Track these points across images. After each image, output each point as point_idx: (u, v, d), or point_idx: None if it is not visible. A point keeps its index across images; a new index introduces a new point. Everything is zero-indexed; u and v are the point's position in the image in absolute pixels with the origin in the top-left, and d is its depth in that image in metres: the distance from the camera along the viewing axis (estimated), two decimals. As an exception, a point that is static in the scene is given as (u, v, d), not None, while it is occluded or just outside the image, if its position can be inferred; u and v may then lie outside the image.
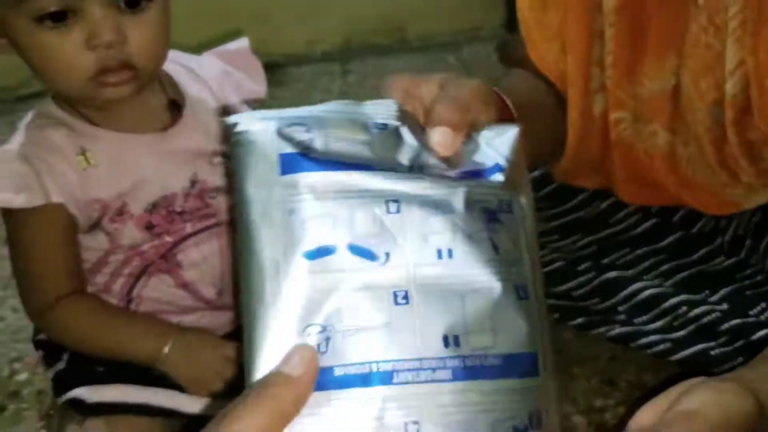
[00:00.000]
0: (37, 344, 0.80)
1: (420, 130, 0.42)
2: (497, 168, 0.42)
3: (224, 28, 2.04)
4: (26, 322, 1.01)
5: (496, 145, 0.43)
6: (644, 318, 0.78)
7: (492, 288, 0.38)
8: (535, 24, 0.76)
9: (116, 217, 0.74)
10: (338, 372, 0.36)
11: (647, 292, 0.79)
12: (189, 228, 0.77)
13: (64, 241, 0.72)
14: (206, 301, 0.78)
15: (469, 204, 0.39)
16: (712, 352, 0.74)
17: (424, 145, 0.41)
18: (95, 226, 0.74)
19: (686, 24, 0.68)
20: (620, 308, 0.79)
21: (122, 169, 0.73)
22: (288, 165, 0.38)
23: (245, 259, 0.38)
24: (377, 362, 0.36)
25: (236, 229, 0.39)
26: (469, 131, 0.43)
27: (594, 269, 0.82)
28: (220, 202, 0.78)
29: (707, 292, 0.78)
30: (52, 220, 0.71)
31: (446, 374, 0.36)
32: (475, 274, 0.38)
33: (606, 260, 0.83)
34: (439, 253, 0.38)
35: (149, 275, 0.76)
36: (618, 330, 0.78)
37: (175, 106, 0.76)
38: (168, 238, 0.76)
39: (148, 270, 0.76)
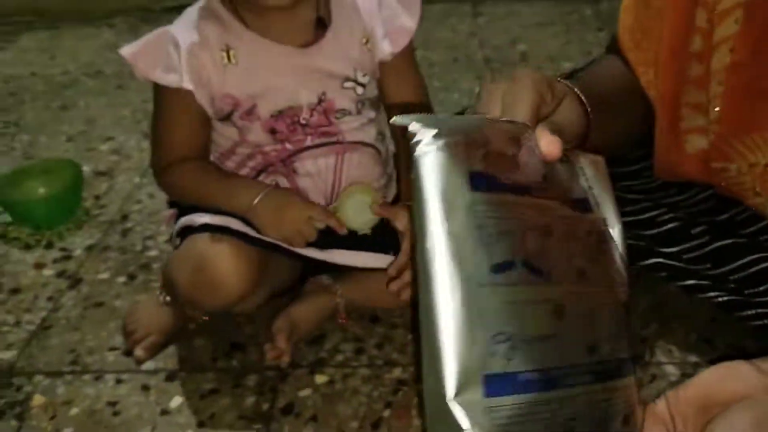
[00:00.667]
0: (171, 204, 0.90)
1: (537, 152, 0.46)
2: (589, 202, 0.48)
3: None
4: (160, 206, 1.14)
5: (589, 178, 0.49)
6: (755, 290, 0.78)
7: (609, 305, 0.46)
8: (633, 46, 0.78)
9: (245, 115, 0.81)
10: (521, 378, 0.40)
11: (762, 265, 0.78)
12: (309, 141, 0.83)
13: (189, 120, 0.81)
14: None
15: (588, 234, 0.46)
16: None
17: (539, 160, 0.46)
18: (226, 118, 0.82)
19: None
20: (731, 277, 0.79)
21: (258, 73, 0.79)
22: (476, 183, 0.42)
23: (433, 270, 0.40)
24: (547, 369, 0.41)
25: (419, 238, 0.41)
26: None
27: (709, 234, 0.81)
28: (343, 123, 0.83)
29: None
30: (184, 102, 0.80)
31: (589, 378, 0.43)
32: (601, 292, 0.46)
33: (724, 216, 0.83)
34: (579, 273, 0.44)
35: (269, 173, 0.84)
36: (726, 297, 0.78)
37: (321, 23, 0.81)
38: (288, 146, 0.83)
39: (268, 169, 0.84)
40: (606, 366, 0.45)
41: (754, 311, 0.77)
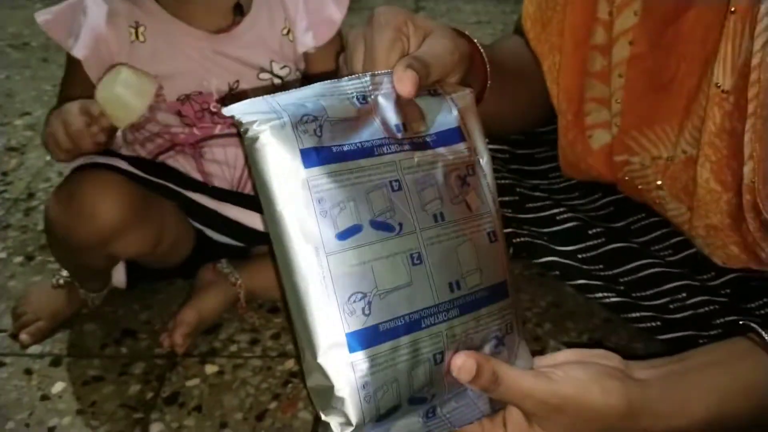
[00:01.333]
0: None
1: (392, 97, 0.48)
2: (460, 131, 0.50)
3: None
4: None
5: (460, 108, 0.51)
6: (642, 294, 0.79)
7: (473, 238, 0.48)
8: (533, 36, 0.78)
9: None
10: (382, 327, 0.44)
11: (651, 270, 0.79)
12: (218, 129, 0.81)
13: (82, 91, 0.76)
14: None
15: (446, 175, 0.48)
16: (700, 341, 0.75)
17: (399, 109, 0.48)
18: None
19: (704, 101, 0.66)
20: (622, 279, 0.80)
21: (165, 54, 0.77)
22: (309, 159, 0.44)
23: (285, 247, 0.43)
24: (408, 314, 0.44)
25: (269, 222, 0.44)
26: (433, 86, 0.50)
27: (604, 236, 0.82)
28: None
29: (713, 273, 0.78)
30: (81, 71, 0.77)
31: (455, 312, 0.46)
32: (461, 230, 0.48)
33: (621, 223, 0.84)
34: (435, 217, 0.47)
35: (177, 152, 0.82)
36: (614, 299, 0.79)
37: (239, 10, 0.79)
38: (196, 131, 0.81)
39: (176, 148, 0.81)
40: (473, 297, 0.47)
41: (639, 314, 0.78)
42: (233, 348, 0.85)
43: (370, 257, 0.44)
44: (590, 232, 0.83)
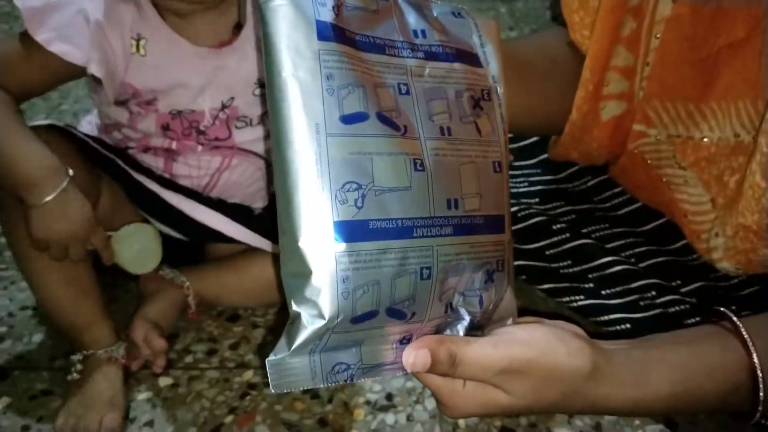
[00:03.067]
0: None
1: (413, 3, 0.47)
2: (479, 57, 0.49)
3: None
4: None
5: (483, 35, 0.50)
6: (611, 291, 0.77)
7: (477, 162, 0.46)
8: (578, 6, 0.75)
9: (144, 104, 0.76)
10: (372, 225, 0.41)
11: (619, 267, 0.78)
12: (199, 148, 0.79)
13: (35, 75, 0.72)
14: None
15: (459, 93, 0.46)
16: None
17: (420, 15, 0.47)
18: (123, 104, 0.76)
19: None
20: (590, 275, 0.78)
21: (164, 70, 0.74)
22: (324, 32, 0.41)
23: (284, 118, 0.40)
24: (402, 219, 0.42)
25: (269, 88, 0.41)
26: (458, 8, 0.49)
27: (569, 231, 0.80)
28: (241, 133, 0.78)
29: (679, 282, 0.76)
30: (50, 65, 0.70)
31: (449, 230, 0.44)
32: (467, 149, 0.46)
33: (583, 231, 0.82)
34: (442, 130, 0.45)
35: (149, 153, 0.79)
36: (582, 302, 0.77)
37: (238, 26, 0.76)
38: (174, 147, 0.78)
39: (149, 150, 0.79)
40: (470, 221, 0.45)
41: (609, 316, 0.76)
42: (189, 359, 0.82)
43: (372, 149, 0.41)
44: (554, 227, 0.81)
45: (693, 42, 0.68)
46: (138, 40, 0.73)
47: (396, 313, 0.43)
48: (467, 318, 0.47)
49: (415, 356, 0.43)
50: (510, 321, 0.50)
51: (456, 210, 0.45)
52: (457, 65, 0.47)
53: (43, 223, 0.69)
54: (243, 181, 0.82)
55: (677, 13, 0.68)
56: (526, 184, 0.89)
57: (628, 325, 0.74)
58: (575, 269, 0.79)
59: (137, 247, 0.77)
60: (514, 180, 0.88)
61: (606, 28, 0.72)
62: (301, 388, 0.42)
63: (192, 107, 0.76)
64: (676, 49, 0.69)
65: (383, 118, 0.42)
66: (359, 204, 0.41)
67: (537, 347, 0.45)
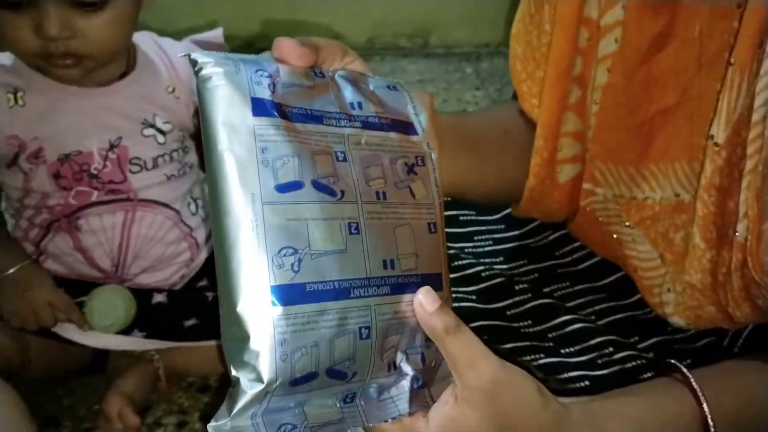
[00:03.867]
0: None
1: (350, 80, 0.50)
2: (414, 126, 0.52)
3: (252, 16, 2.09)
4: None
5: (417, 106, 0.53)
6: (570, 350, 0.79)
7: (413, 224, 0.49)
8: (526, 76, 0.77)
9: (32, 158, 0.78)
10: (309, 288, 0.42)
11: (577, 325, 0.79)
12: (95, 196, 0.80)
13: None
14: (102, 271, 0.81)
15: (393, 160, 0.49)
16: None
17: (356, 90, 0.49)
18: (13, 163, 0.78)
19: (701, 144, 0.64)
20: (549, 335, 0.80)
21: (47, 115, 0.77)
22: (258, 108, 0.43)
23: (221, 189, 0.42)
24: (338, 281, 0.44)
25: (207, 161, 0.43)
26: (393, 83, 0.52)
27: (531, 291, 0.82)
28: (138, 178, 0.80)
29: (637, 338, 0.78)
30: None
31: (386, 290, 0.46)
32: (401, 213, 0.48)
33: (545, 290, 0.84)
34: (377, 194, 0.47)
35: (54, 231, 0.81)
36: (543, 360, 0.79)
37: (125, 75, 0.80)
38: (72, 201, 0.79)
39: (53, 225, 0.80)
40: (406, 280, 0.47)
41: (569, 374, 0.77)
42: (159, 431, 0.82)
43: (307, 215, 0.43)
44: (516, 288, 0.83)
45: (627, 109, 0.71)
46: (15, 93, 0.76)
47: (337, 374, 0.45)
48: (411, 373, 0.49)
49: (425, 292, 0.46)
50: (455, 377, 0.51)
51: (392, 270, 0.46)
52: (392, 134, 0.50)
53: (4, 293, 0.74)
54: (156, 235, 0.83)
55: (611, 82, 0.71)
56: (490, 242, 0.91)
57: (587, 383, 0.75)
58: (536, 329, 0.81)
59: (108, 311, 0.78)
60: (479, 238, 0.90)
61: (554, 98, 0.74)
62: None
63: (79, 148, 0.78)
64: (613, 115, 0.72)
65: (318, 185, 0.44)
66: (296, 268, 0.42)
67: (513, 374, 0.47)
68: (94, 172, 0.78)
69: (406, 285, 0.47)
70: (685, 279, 0.69)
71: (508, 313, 0.83)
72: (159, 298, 0.83)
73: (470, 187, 0.73)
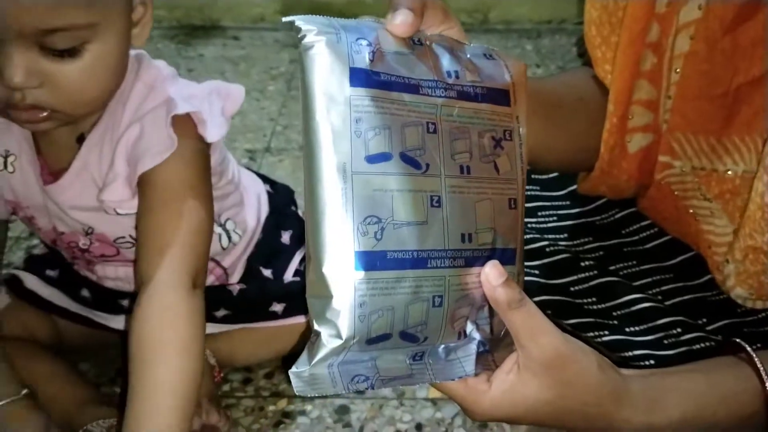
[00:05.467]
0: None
1: (447, 47, 0.50)
2: (507, 95, 0.52)
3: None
4: None
5: (511, 75, 0.53)
6: (636, 329, 0.78)
7: (494, 199, 0.50)
8: (600, 41, 0.76)
9: (27, 220, 0.75)
10: (390, 255, 0.45)
11: (644, 304, 0.78)
12: (96, 261, 0.76)
13: None
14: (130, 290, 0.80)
15: (482, 133, 0.50)
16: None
17: (453, 58, 0.50)
18: (14, 214, 0.76)
19: None
20: (615, 313, 0.79)
21: (31, 186, 0.71)
22: (356, 79, 0.45)
23: (315, 157, 0.45)
24: (417, 251, 0.46)
25: (305, 129, 0.45)
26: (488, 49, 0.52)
27: (596, 269, 0.82)
28: (131, 251, 0.72)
29: (705, 320, 0.77)
30: None
31: (461, 262, 0.48)
32: (484, 188, 0.50)
33: (611, 268, 0.84)
34: (461, 168, 0.48)
35: (74, 264, 0.80)
36: (608, 338, 0.79)
37: (82, 140, 0.69)
38: (77, 262, 0.78)
39: (72, 260, 0.80)
40: (481, 254, 0.49)
41: (633, 352, 0.77)
42: (226, 387, 0.85)
43: (393, 187, 0.45)
44: (582, 264, 0.83)
45: (710, 77, 0.69)
46: (6, 157, 0.70)
47: (409, 337, 0.47)
48: (478, 337, 0.51)
49: (491, 267, 0.48)
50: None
51: (469, 243, 0.48)
52: (484, 105, 0.51)
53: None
54: None
55: (694, 49, 0.69)
56: (555, 218, 0.91)
57: (652, 362, 0.75)
58: (600, 306, 0.81)
59: None
60: (543, 213, 0.90)
61: (626, 62, 0.73)
62: (324, 394, 0.46)
63: (62, 229, 0.72)
64: (695, 84, 0.70)
65: (406, 158, 0.46)
66: (378, 236, 0.45)
67: (576, 349, 0.48)
68: (83, 247, 0.74)
69: (481, 258, 0.49)
70: (747, 244, 0.68)
71: (572, 289, 0.83)
72: None
73: (540, 153, 0.72)
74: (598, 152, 0.78)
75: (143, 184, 0.66)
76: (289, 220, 0.88)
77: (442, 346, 0.49)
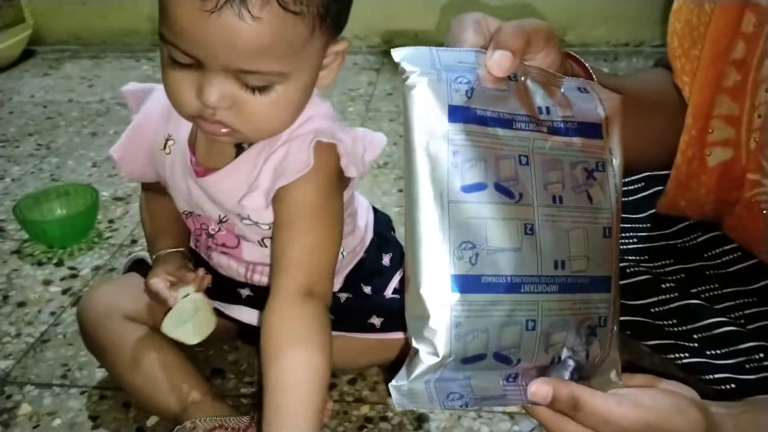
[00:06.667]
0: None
1: (540, 82, 0.52)
2: (600, 129, 0.54)
3: (394, 16, 2.13)
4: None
5: (607, 109, 0.54)
6: (717, 352, 0.79)
7: (587, 227, 0.52)
8: (681, 53, 0.78)
9: (170, 198, 0.83)
10: (484, 280, 0.47)
11: (726, 328, 0.79)
12: (214, 248, 0.83)
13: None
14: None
15: (573, 165, 0.52)
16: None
17: (546, 93, 0.52)
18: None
19: None
20: (695, 336, 0.80)
21: (176, 172, 0.79)
22: (454, 115, 0.48)
23: (415, 186, 0.48)
24: (511, 276, 0.48)
25: (406, 160, 0.49)
26: (582, 83, 0.53)
27: (677, 291, 0.83)
28: (252, 252, 0.80)
29: (787, 343, 0.77)
30: None
31: (555, 288, 0.49)
32: (577, 216, 0.51)
33: (692, 291, 0.84)
34: (554, 198, 0.50)
35: (196, 244, 0.87)
36: (688, 360, 0.79)
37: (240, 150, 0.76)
38: (198, 244, 0.85)
39: (196, 241, 0.87)
40: (575, 281, 0.50)
41: (712, 376, 0.77)
42: (312, 391, 0.89)
43: (487, 215, 0.48)
44: (663, 286, 0.84)
45: None
46: (167, 140, 0.79)
47: (502, 358, 0.49)
48: (572, 364, 0.52)
49: (538, 388, 0.49)
50: (613, 373, 0.54)
51: (563, 270, 0.50)
52: (576, 139, 0.52)
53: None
54: None
55: None
56: (635, 240, 0.92)
57: (733, 385, 0.76)
58: (681, 328, 0.81)
59: (179, 320, 0.79)
60: (624, 235, 0.91)
61: (707, 78, 0.74)
62: (421, 408, 0.49)
63: (198, 212, 0.80)
64: None
65: (500, 188, 0.49)
66: (473, 261, 0.47)
67: (657, 414, 0.48)
68: (212, 232, 0.82)
69: (575, 285, 0.50)
70: None
71: (653, 310, 0.84)
72: None
73: (631, 148, 0.73)
74: (668, 156, 0.79)
75: (277, 200, 0.73)
76: (389, 244, 0.93)
77: (536, 372, 0.51)
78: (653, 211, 0.90)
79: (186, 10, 0.59)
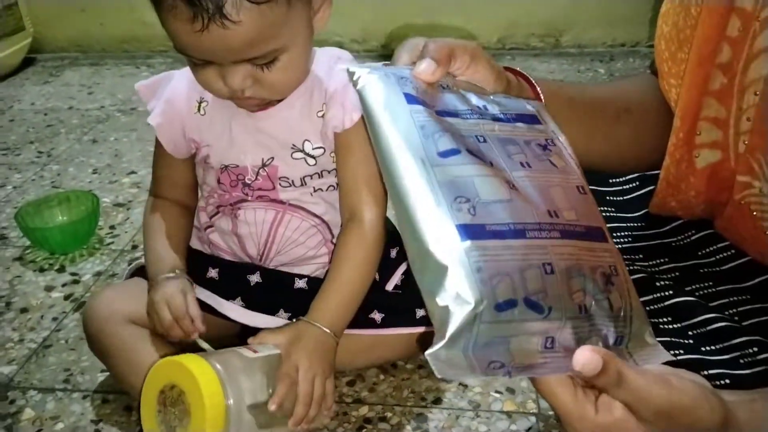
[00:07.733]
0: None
1: (471, 91, 0.58)
2: (535, 117, 0.58)
3: (391, 19, 2.16)
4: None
5: (534, 106, 0.60)
6: (711, 348, 0.79)
7: (563, 186, 0.54)
8: (668, 56, 0.78)
9: (202, 162, 0.88)
10: (488, 228, 0.47)
11: (719, 324, 0.79)
12: (249, 198, 0.87)
13: (165, 156, 0.89)
14: (249, 257, 0.89)
15: (527, 141, 0.55)
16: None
17: (479, 97, 0.57)
18: (193, 158, 0.89)
19: None
20: (690, 333, 0.81)
21: (216, 128, 0.85)
22: (410, 99, 0.52)
23: (391, 159, 0.49)
24: (512, 223, 0.48)
25: (376, 142, 0.50)
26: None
27: (672, 289, 0.83)
28: (286, 191, 0.85)
29: (782, 338, 0.77)
30: (164, 151, 0.88)
31: (557, 234, 0.50)
32: (549, 177, 0.54)
33: (687, 288, 0.85)
34: (522, 164, 0.53)
35: (221, 212, 0.90)
36: (683, 357, 0.80)
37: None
38: (230, 196, 0.88)
39: (220, 208, 0.89)
40: (573, 228, 0.51)
41: (707, 372, 0.78)
42: (312, 392, 0.90)
43: (471, 173, 0.49)
44: (657, 284, 0.84)
45: None
46: (200, 102, 0.85)
47: (534, 305, 0.47)
48: (603, 329, 0.51)
49: (588, 358, 0.45)
50: (647, 334, 0.55)
51: (557, 218, 0.51)
52: (519, 125, 0.56)
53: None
54: (298, 238, 0.89)
55: None
56: (630, 239, 0.92)
57: (727, 381, 0.76)
58: (675, 325, 0.82)
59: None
60: (618, 234, 0.92)
61: (694, 81, 0.75)
62: (462, 378, 0.48)
63: (236, 162, 0.85)
64: None
65: (472, 153, 0.51)
66: (472, 212, 0.47)
67: (690, 397, 0.49)
68: (248, 182, 0.87)
69: (574, 233, 0.51)
70: None
71: (648, 308, 0.84)
72: (300, 284, 0.90)
73: (579, 155, 0.75)
74: (645, 161, 0.81)
75: (340, 137, 0.83)
76: (397, 238, 0.95)
77: (572, 332, 0.49)
78: (647, 210, 0.91)
79: (181, 34, 0.70)
